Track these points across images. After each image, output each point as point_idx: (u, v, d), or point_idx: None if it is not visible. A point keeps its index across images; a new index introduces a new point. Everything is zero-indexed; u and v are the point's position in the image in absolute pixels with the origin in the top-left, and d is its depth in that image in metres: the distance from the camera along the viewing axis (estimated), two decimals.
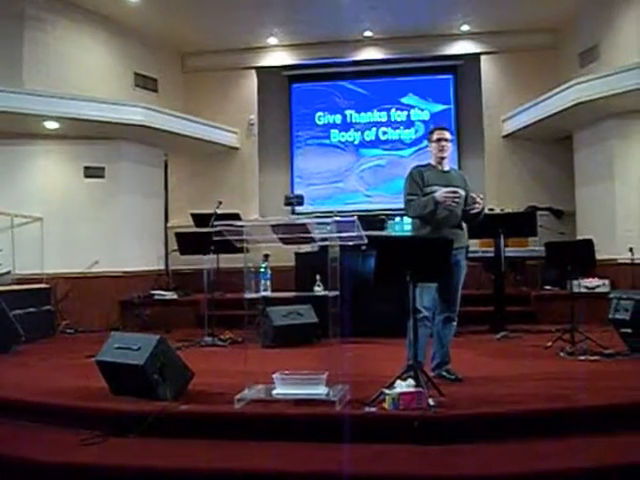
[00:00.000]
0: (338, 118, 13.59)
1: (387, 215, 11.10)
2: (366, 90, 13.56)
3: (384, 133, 13.45)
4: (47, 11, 10.39)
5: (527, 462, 3.84)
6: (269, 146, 13.55)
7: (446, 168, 5.69)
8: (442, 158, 5.65)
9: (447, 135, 5.68)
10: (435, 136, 5.69)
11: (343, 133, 13.58)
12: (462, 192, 5.46)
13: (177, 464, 3.99)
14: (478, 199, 5.46)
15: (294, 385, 4.79)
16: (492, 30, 12.38)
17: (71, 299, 9.92)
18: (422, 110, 13.37)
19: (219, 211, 9.23)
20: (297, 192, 12.53)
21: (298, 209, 11.59)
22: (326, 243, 4.87)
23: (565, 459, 3.86)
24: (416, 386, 4.56)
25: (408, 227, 11.00)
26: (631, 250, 8.96)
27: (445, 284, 5.37)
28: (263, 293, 5.12)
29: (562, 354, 6.70)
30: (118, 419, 4.62)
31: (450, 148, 5.68)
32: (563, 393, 4.85)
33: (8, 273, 9.42)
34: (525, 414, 4.42)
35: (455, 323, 5.61)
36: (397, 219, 11.36)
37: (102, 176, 10.58)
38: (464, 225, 5.72)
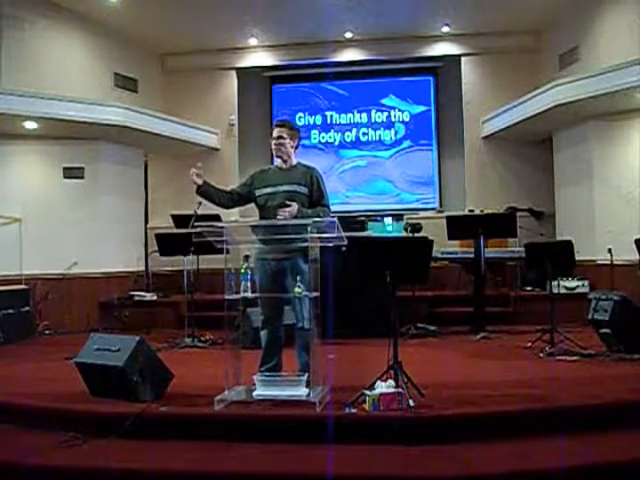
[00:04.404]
0: (318, 119, 13.62)
1: (367, 216, 11.09)
2: (346, 91, 13.58)
3: (364, 134, 13.49)
4: (25, 10, 10.28)
5: (508, 462, 3.86)
6: (249, 147, 13.51)
7: (285, 166, 5.45)
8: (278, 157, 5.44)
9: (282, 132, 5.41)
10: (273, 134, 5.42)
11: (323, 134, 13.61)
12: (294, 205, 5.03)
13: (157, 466, 3.98)
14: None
15: (274, 386, 4.78)
16: (472, 32, 12.43)
17: (50, 300, 9.81)
18: (402, 111, 13.41)
19: (199, 212, 9.18)
20: None
21: None
22: (306, 244, 4.84)
23: (546, 459, 3.88)
24: (396, 387, 4.57)
25: (389, 228, 11.17)
26: (610, 251, 9.01)
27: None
28: (243, 294, 5.10)
29: (542, 354, 6.73)
30: (97, 421, 4.59)
31: (287, 145, 5.39)
32: (543, 393, 4.88)
33: None
34: (505, 414, 4.44)
35: None
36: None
37: (81, 177, 10.51)
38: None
